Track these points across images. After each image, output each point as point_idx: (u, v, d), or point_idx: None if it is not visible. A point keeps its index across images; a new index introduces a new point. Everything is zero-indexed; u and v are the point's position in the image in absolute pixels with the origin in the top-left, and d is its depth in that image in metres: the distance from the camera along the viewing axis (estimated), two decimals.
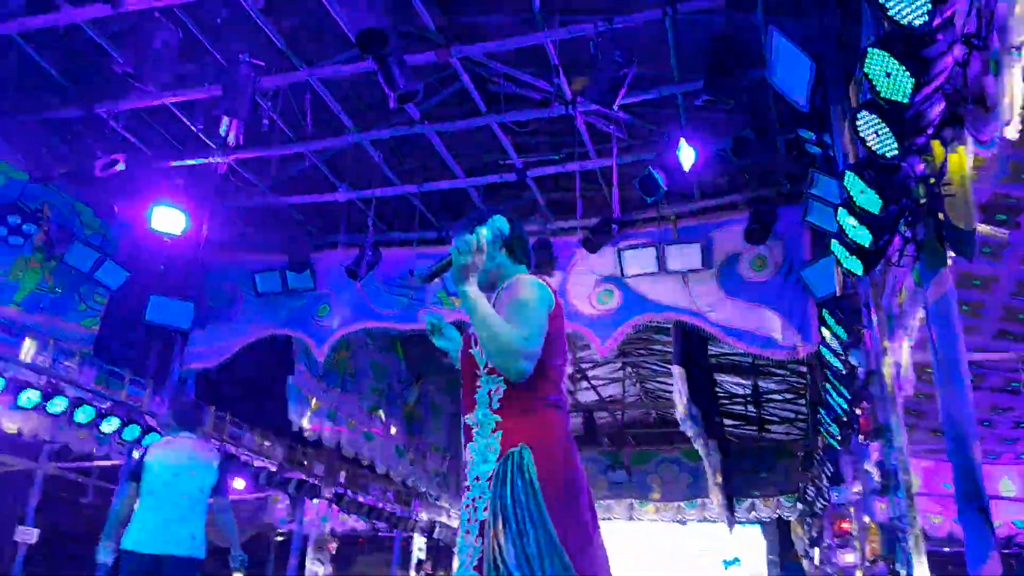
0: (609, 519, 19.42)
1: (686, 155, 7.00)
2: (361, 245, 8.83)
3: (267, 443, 11.99)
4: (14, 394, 7.81)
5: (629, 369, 15.82)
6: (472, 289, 2.38)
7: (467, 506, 2.42)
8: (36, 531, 10.32)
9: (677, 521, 18.09)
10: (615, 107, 6.29)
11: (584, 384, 15.76)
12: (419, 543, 17.04)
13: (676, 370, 10.02)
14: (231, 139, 8.02)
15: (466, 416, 2.55)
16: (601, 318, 8.66)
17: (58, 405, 8.17)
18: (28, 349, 8.18)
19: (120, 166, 7.44)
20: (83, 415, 8.45)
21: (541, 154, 8.59)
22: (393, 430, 12.93)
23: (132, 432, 9.05)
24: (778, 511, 16.95)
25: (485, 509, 2.35)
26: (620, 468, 18.18)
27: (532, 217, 9.10)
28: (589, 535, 2.36)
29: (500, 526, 2.28)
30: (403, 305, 9.31)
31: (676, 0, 5.99)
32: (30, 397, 7.93)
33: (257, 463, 11.59)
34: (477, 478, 2.43)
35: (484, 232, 2.44)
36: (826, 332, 7.08)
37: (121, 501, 4.96)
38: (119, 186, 8.24)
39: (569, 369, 14.58)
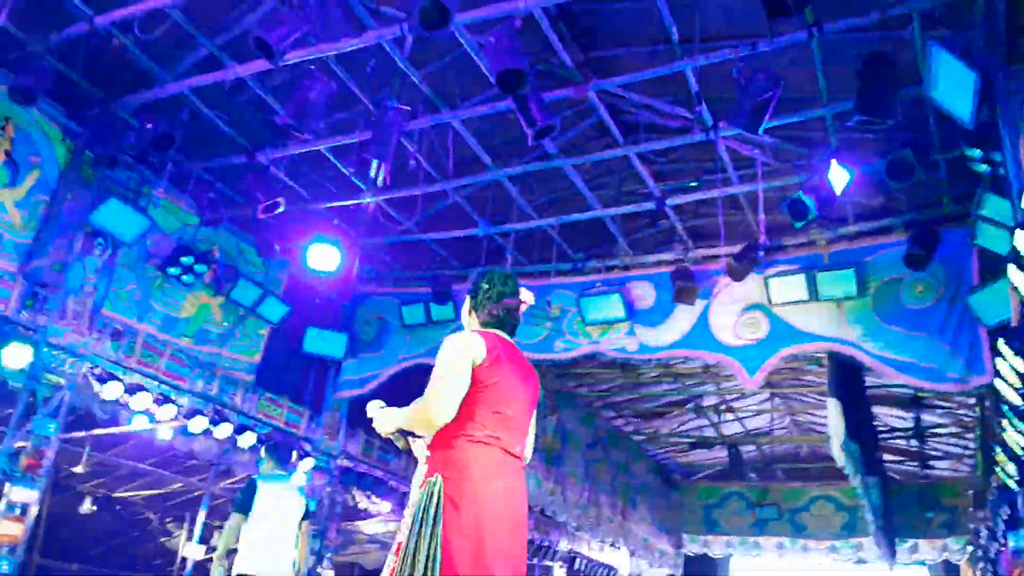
0: (758, 555, 18.58)
1: (838, 177, 6.68)
2: None
3: (412, 467, 12.33)
4: (186, 419, 8.46)
5: (778, 400, 15.11)
6: (386, 428, 3.00)
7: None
8: (203, 547, 11.06)
9: (833, 560, 17.01)
10: (760, 131, 6.10)
11: (728, 416, 15.18)
12: (559, 573, 16.91)
13: (831, 403, 9.45)
14: (379, 180, 8.41)
15: None
16: (747, 348, 8.35)
17: (224, 431, 8.77)
18: (198, 379, 8.85)
19: (280, 208, 8.00)
20: (245, 440, 9.01)
21: (680, 181, 8.45)
22: (532, 460, 12.96)
23: (288, 456, 9.56)
24: (945, 553, 15.55)
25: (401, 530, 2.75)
26: (769, 504, 17.35)
27: (671, 246, 8.95)
28: (481, 559, 2.61)
29: (406, 544, 2.65)
30: (540, 336, 9.37)
31: (822, 21, 5.75)
32: (199, 423, 8.56)
33: (403, 488, 11.95)
34: (410, 504, 2.80)
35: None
36: (1001, 363, 6.46)
37: (230, 528, 5.44)
38: (279, 227, 8.84)
39: (713, 400, 14.25)
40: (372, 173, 8.23)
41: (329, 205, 8.98)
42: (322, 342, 10.04)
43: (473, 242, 9.43)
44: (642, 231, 9.72)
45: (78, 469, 10.96)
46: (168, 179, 8.16)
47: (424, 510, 2.66)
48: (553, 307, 9.16)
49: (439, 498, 2.67)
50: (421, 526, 2.64)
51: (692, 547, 19.43)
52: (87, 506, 12.59)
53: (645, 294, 8.92)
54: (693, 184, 8.42)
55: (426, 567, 2.56)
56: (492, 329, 3.09)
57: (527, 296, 3.25)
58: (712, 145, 7.35)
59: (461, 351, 2.85)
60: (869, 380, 11.54)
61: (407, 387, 10.73)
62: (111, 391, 7.58)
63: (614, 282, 8.96)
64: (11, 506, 6.66)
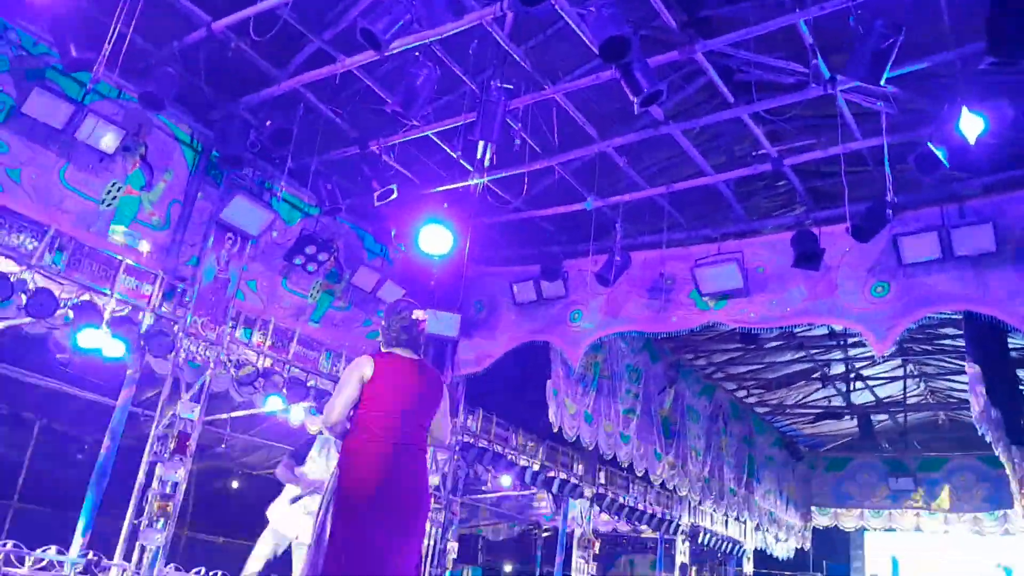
0: (890, 530, 17.79)
1: (970, 125, 6.19)
2: (610, 251, 8.91)
3: (530, 443, 12.51)
4: (316, 400, 8.87)
5: (911, 367, 14.32)
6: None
7: None
8: None
9: (974, 532, 16.07)
10: (882, 82, 5.73)
11: (859, 384, 14.51)
12: (682, 547, 16.76)
13: (970, 368, 8.88)
14: (486, 161, 8.48)
15: None
16: (876, 313, 7.94)
17: None
18: (325, 362, 9.26)
19: (393, 195, 8.22)
20: None
21: (797, 140, 8.07)
22: (649, 433, 12.86)
23: None
24: None
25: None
26: (905, 475, 16.54)
27: (790, 209, 8.59)
28: (360, 533, 3.50)
29: (315, 520, 3.71)
30: (655, 308, 9.23)
31: None
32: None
33: (521, 462, 12.15)
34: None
35: None
36: None
37: None
38: (393, 213, 9.09)
39: (841, 368, 13.61)
40: (479, 154, 8.32)
41: (439, 189, 9.13)
42: (437, 323, 10.27)
43: (582, 216, 9.36)
44: (758, 195, 9.36)
45: (221, 449, 11.74)
46: (288, 173, 8.53)
47: (326, 492, 3.69)
48: (667, 278, 8.98)
49: (333, 485, 3.67)
50: (321, 506, 3.67)
51: (821, 520, 18.84)
52: (231, 483, 13.49)
53: (764, 261, 8.61)
54: (811, 143, 8.02)
55: (320, 539, 3.55)
56: (395, 349, 3.96)
57: (419, 314, 4.01)
58: (831, 100, 6.97)
59: (353, 371, 3.80)
60: (1013, 342, 10.77)
61: (523, 364, 10.88)
62: (246, 376, 8.05)
63: (730, 250, 8.69)
64: (162, 483, 7.22)
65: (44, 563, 6.47)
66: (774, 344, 12.33)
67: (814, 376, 14.47)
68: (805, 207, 8.52)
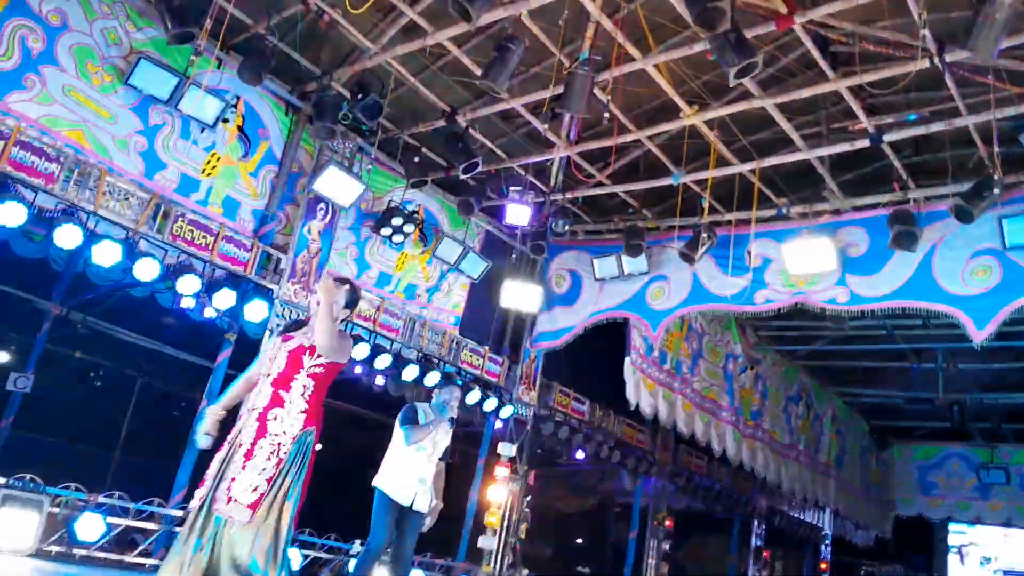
0: (978, 522, 17.10)
1: None
2: (696, 227, 8.75)
3: (606, 419, 12.51)
4: (398, 369, 9.07)
5: (1008, 355, 13.60)
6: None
7: None
8: None
9: None
10: (994, 54, 5.42)
11: (951, 370, 13.89)
12: (757, 530, 16.55)
13: None
14: (572, 134, 8.44)
15: None
16: (977, 298, 7.59)
17: (432, 379, 9.32)
18: (408, 330, 9.45)
19: (478, 168, 8.27)
20: None
21: (898, 115, 7.72)
22: (728, 414, 12.67)
23: (490, 404, 10.01)
24: None
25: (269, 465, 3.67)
26: (996, 467, 15.84)
27: (888, 187, 8.24)
28: None
29: (278, 477, 3.62)
30: (739, 287, 9.04)
31: None
32: (411, 371, 9.15)
33: (597, 438, 12.16)
34: (278, 444, 3.66)
35: None
36: None
37: None
38: (478, 186, 9.15)
39: (932, 354, 13.01)
40: (565, 127, 8.29)
41: (524, 162, 9.14)
42: (518, 295, 10.34)
43: (668, 191, 9.23)
44: (854, 171, 9.02)
45: None
46: (378, 146, 8.69)
47: (298, 454, 3.57)
48: (754, 256, 8.76)
49: (308, 449, 3.62)
50: (292, 467, 3.55)
51: (904, 509, 18.25)
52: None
53: (858, 240, 8.32)
54: (913, 118, 7.66)
55: (287, 500, 3.53)
56: None
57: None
58: (937, 72, 6.62)
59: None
60: None
61: (602, 339, 10.87)
62: None
63: (822, 228, 8.41)
64: None
65: (146, 514, 6.86)
66: (863, 326, 11.91)
67: (904, 361, 13.93)
68: (904, 185, 8.15)
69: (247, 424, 3.58)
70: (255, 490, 3.46)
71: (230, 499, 3.43)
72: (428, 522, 5.55)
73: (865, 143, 7.64)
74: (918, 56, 6.37)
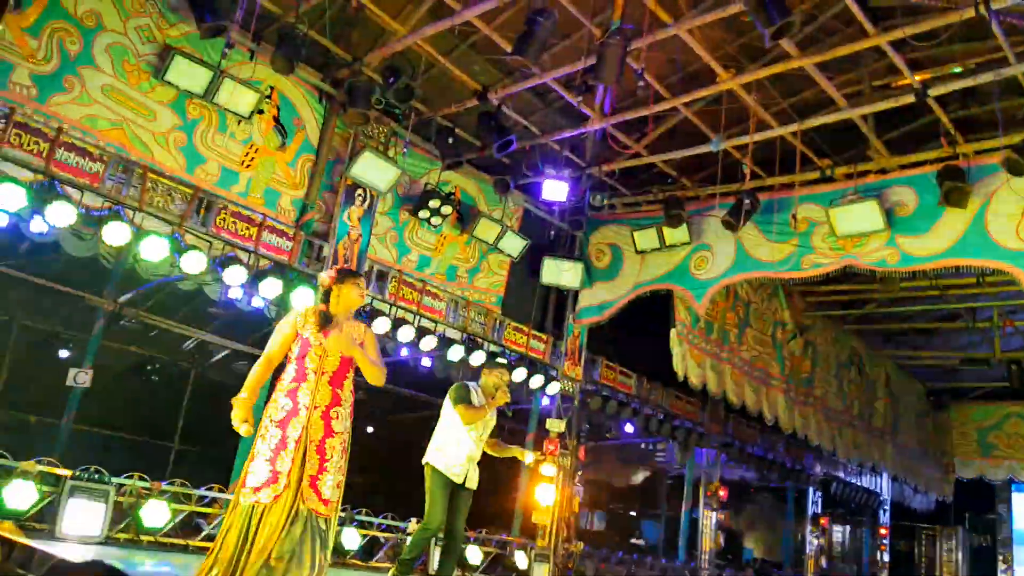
0: None
1: None
2: (738, 193, 8.59)
3: (654, 392, 12.45)
4: (443, 350, 9.13)
5: None
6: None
7: None
8: None
9: None
10: None
11: (1008, 328, 13.48)
12: (813, 497, 16.38)
13: None
14: (606, 106, 8.33)
15: None
16: None
17: (478, 358, 9.37)
18: (452, 311, 9.50)
19: (513, 146, 8.23)
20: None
21: (943, 68, 7.45)
22: (778, 382, 12.51)
23: (536, 381, 10.04)
24: None
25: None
26: None
27: (935, 143, 7.98)
28: None
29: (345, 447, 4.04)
30: (786, 252, 8.86)
31: None
32: (456, 351, 9.21)
33: (646, 411, 12.13)
34: (344, 422, 4.02)
35: None
36: None
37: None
38: (513, 164, 9.12)
39: (988, 312, 12.64)
40: (599, 99, 8.18)
41: (558, 137, 9.06)
42: (559, 272, 10.32)
43: (707, 159, 9.06)
44: (899, 129, 8.74)
45: (359, 396, 12.33)
46: (412, 129, 8.70)
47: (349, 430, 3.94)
48: (800, 220, 8.57)
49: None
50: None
51: (964, 472, 17.87)
52: (365, 427, 14.21)
53: (906, 199, 8.07)
54: (958, 70, 7.39)
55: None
56: None
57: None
58: (983, 22, 6.35)
59: (288, 320, 4.03)
60: None
61: (646, 312, 10.78)
62: (379, 326, 8.38)
63: (869, 188, 8.19)
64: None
65: (207, 500, 7.06)
66: (914, 287, 11.61)
67: (957, 321, 13.55)
68: (952, 140, 7.88)
69: (312, 422, 3.79)
70: (338, 486, 3.86)
71: (318, 496, 3.75)
72: (532, 456, 5.73)
73: (910, 99, 7.39)
74: (963, 5, 6.12)
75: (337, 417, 3.83)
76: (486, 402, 5.48)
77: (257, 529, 3.61)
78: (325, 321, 3.89)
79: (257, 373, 3.90)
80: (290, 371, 3.86)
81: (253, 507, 3.65)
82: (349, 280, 4.01)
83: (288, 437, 3.73)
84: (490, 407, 5.48)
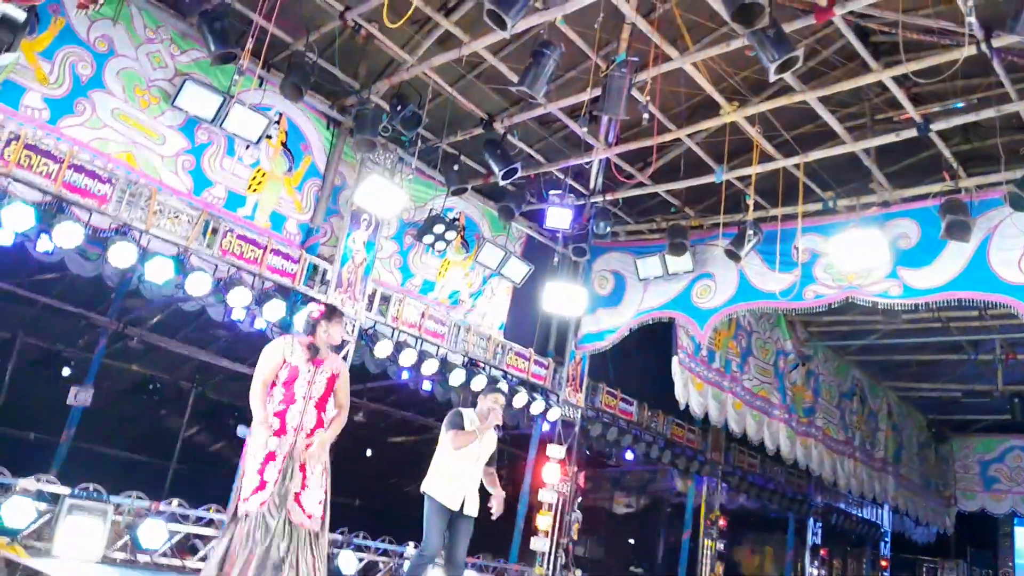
0: None
1: None
2: (741, 224, 8.64)
3: (655, 419, 12.42)
4: (444, 374, 9.12)
5: None
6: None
7: None
8: None
9: None
10: None
11: (1011, 361, 13.46)
12: (814, 527, 16.25)
13: None
14: (611, 136, 8.41)
15: None
16: None
17: (479, 383, 9.35)
18: (454, 336, 9.51)
19: (517, 173, 8.30)
20: None
21: (944, 103, 7.52)
22: (780, 411, 12.48)
23: (537, 407, 10.02)
24: None
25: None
26: None
27: (937, 176, 8.03)
28: None
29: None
30: (788, 282, 8.90)
31: None
32: (457, 376, 9.19)
33: (646, 438, 12.09)
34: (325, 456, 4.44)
35: None
36: None
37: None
38: (517, 191, 9.18)
39: (990, 345, 12.62)
40: (603, 129, 8.26)
41: (563, 165, 9.14)
42: (561, 298, 10.33)
43: (710, 189, 9.12)
44: (901, 162, 8.81)
45: (359, 418, 12.35)
46: (418, 155, 8.78)
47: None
48: (802, 251, 8.62)
49: None
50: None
51: (966, 504, 17.75)
52: (365, 450, 14.18)
53: (908, 231, 8.12)
54: (960, 105, 7.46)
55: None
56: None
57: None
58: (984, 59, 6.43)
59: (271, 353, 4.42)
60: None
61: (648, 340, 10.80)
62: (381, 349, 8.41)
63: (871, 220, 8.24)
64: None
65: (205, 520, 7.04)
66: (917, 319, 11.61)
67: (960, 353, 13.54)
68: (954, 174, 7.93)
69: (299, 443, 4.19)
70: (320, 503, 4.22)
71: (303, 510, 4.12)
72: (497, 509, 5.64)
73: (912, 133, 7.45)
74: (965, 43, 6.19)
75: (315, 439, 4.24)
76: (479, 428, 5.50)
77: (254, 539, 3.98)
78: (315, 352, 4.35)
79: (263, 397, 4.25)
80: (277, 395, 4.25)
81: (247, 516, 4.03)
82: (336, 317, 4.47)
83: (276, 453, 4.12)
84: (481, 432, 5.49)
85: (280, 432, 4.13)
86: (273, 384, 4.26)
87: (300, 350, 4.33)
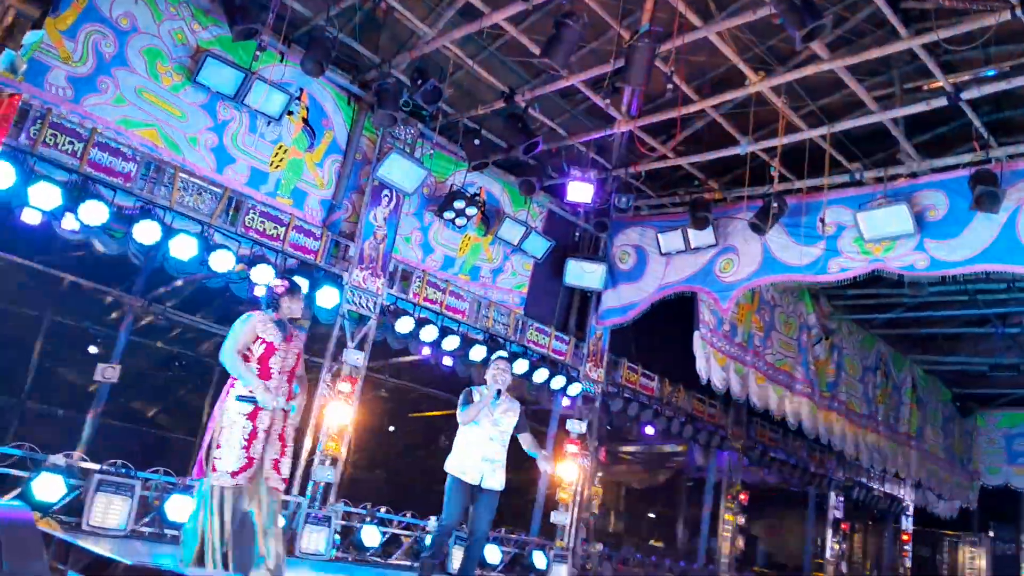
0: None
1: None
2: (765, 196, 8.54)
3: (676, 394, 12.40)
4: (465, 349, 9.15)
5: None
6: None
7: None
8: None
9: None
10: None
11: None
12: (835, 502, 16.23)
13: None
14: (633, 108, 8.31)
15: None
16: None
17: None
18: (474, 312, 9.51)
19: (539, 147, 8.23)
20: (518, 367, 9.55)
21: (975, 71, 7.35)
22: (803, 386, 12.41)
23: (558, 382, 10.03)
24: None
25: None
26: None
27: (967, 147, 7.87)
28: None
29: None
30: (813, 256, 8.79)
31: None
32: (478, 351, 9.22)
33: (667, 413, 12.08)
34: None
35: None
36: None
37: None
38: (539, 165, 9.11)
39: (1018, 318, 12.47)
40: (626, 101, 8.16)
41: (585, 139, 9.05)
42: (582, 273, 10.32)
43: (734, 161, 9.01)
44: (931, 132, 8.64)
45: (382, 394, 12.43)
46: (438, 130, 8.72)
47: None
48: (827, 224, 8.49)
49: None
50: None
51: (990, 479, 17.63)
52: (388, 425, 14.29)
53: (936, 203, 7.98)
54: (992, 72, 7.28)
55: None
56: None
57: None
58: (1018, 25, 6.27)
59: (246, 322, 4.60)
60: None
61: (670, 314, 10.74)
62: (403, 325, 8.43)
63: (899, 192, 8.10)
64: (332, 425, 7.78)
65: None
66: (943, 292, 11.46)
67: (987, 326, 13.37)
68: (985, 144, 7.77)
69: (277, 416, 4.50)
70: (288, 466, 4.59)
71: (279, 475, 4.48)
72: (548, 468, 6.06)
73: (941, 102, 7.30)
74: (999, 8, 6.04)
75: (289, 410, 4.59)
76: (483, 398, 5.54)
77: (236, 508, 4.28)
78: (285, 329, 4.61)
79: (244, 365, 4.44)
80: (252, 370, 4.44)
81: (228, 488, 4.27)
82: (297, 293, 4.72)
83: (258, 428, 4.38)
84: (484, 401, 5.52)
85: (262, 408, 4.40)
86: (247, 359, 4.44)
87: (272, 327, 4.54)
